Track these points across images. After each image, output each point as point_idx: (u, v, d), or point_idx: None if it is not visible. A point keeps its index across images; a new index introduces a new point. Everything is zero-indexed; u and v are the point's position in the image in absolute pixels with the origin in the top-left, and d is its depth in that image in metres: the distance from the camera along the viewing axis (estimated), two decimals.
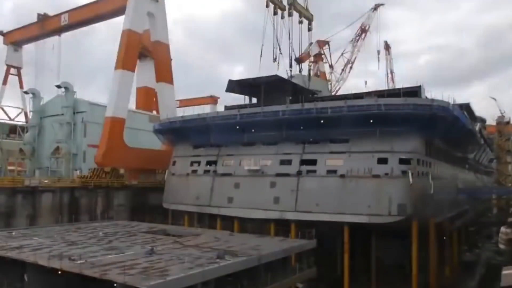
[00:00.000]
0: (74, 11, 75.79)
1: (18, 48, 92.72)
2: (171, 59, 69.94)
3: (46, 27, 79.90)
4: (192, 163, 50.88)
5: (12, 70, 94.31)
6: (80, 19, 75.55)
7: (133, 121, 65.03)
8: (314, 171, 40.91)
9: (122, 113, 59.73)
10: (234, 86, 52.41)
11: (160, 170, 63.01)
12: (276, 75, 48.96)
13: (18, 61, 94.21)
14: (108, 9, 69.88)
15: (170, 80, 68.81)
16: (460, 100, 47.74)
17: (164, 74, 67.93)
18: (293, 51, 58.15)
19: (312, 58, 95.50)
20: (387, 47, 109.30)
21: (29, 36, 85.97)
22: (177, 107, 68.00)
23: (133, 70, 63.12)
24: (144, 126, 66.86)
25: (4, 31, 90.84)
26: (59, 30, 79.51)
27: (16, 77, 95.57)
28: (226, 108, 56.70)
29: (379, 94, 45.73)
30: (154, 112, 76.39)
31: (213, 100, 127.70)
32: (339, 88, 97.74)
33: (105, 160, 56.46)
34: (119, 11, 65.76)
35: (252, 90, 53.03)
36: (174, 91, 70.32)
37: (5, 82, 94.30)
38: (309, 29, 63.07)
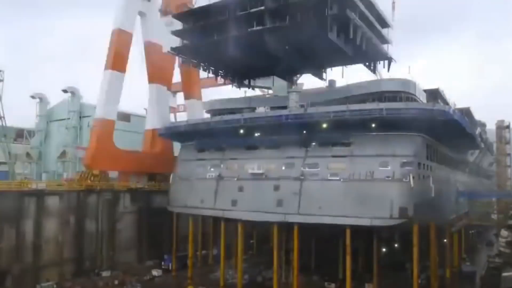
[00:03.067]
0: None
1: None
2: None
3: None
4: (196, 167, 51.65)
5: None
6: None
7: None
8: (317, 175, 41.49)
9: (111, 115, 56.76)
10: None
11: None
12: None
13: None
14: None
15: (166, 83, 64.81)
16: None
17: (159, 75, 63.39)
18: None
19: None
20: None
21: None
22: None
23: (123, 71, 58.23)
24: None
25: None
26: None
27: None
28: None
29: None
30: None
31: None
32: None
33: (94, 162, 54.31)
34: None
35: None
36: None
37: None
38: None
